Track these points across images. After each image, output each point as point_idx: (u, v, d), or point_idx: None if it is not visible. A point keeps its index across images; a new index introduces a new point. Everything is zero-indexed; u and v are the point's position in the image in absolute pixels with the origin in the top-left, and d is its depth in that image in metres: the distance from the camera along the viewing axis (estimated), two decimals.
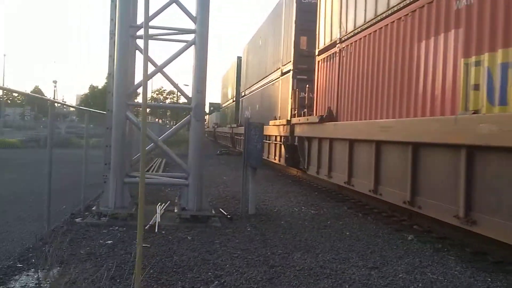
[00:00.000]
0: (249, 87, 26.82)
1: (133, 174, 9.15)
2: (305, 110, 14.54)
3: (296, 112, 15.15)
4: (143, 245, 6.70)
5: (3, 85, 72.88)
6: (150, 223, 8.07)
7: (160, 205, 9.52)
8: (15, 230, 7.42)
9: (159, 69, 9.04)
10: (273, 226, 8.51)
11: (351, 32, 11.14)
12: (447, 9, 7.22)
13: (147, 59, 4.02)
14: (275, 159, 18.46)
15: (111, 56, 9.24)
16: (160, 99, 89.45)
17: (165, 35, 9.22)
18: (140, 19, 9.14)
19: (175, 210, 8.79)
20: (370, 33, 9.99)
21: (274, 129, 17.98)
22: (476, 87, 6.40)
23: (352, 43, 11.09)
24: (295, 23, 16.45)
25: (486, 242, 6.61)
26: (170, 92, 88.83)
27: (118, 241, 6.99)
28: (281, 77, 18.41)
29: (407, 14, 8.45)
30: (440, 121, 6.94)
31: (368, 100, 9.96)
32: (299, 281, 5.46)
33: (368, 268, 6.11)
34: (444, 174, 7.03)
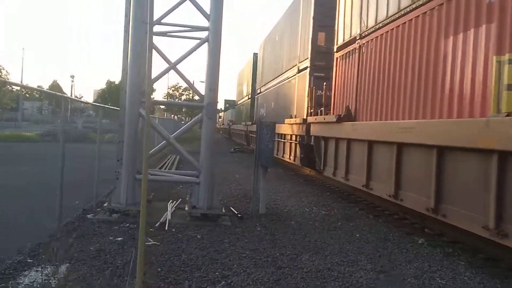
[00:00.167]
0: (265, 84, 26.67)
1: None
2: (322, 109, 14.10)
3: (312, 110, 14.86)
4: (153, 242, 6.80)
5: (22, 78, 73.92)
6: (161, 220, 8.10)
7: (172, 202, 9.56)
8: (28, 224, 7.51)
9: (172, 66, 9.06)
10: (283, 226, 8.49)
11: (372, 27, 10.69)
12: (478, 2, 6.75)
13: (151, 57, 4.03)
14: (289, 159, 18.23)
15: (125, 52, 9.28)
16: (176, 95, 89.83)
17: (178, 32, 9.24)
18: (155, 16, 9.15)
19: (186, 208, 8.82)
20: (393, 29, 9.53)
21: (289, 128, 17.81)
22: (510, 87, 5.95)
23: (372, 39, 10.65)
24: (313, 18, 16.01)
25: (499, 248, 6.48)
26: (186, 89, 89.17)
27: (129, 238, 7.03)
28: (297, 74, 18.06)
29: (433, 8, 7.97)
30: (469, 124, 6.48)
31: (389, 99, 9.51)
32: (306, 283, 5.45)
33: (376, 271, 6.07)
34: (472, 181, 6.51)
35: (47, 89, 78.51)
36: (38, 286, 4.86)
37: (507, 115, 5.83)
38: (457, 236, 7.62)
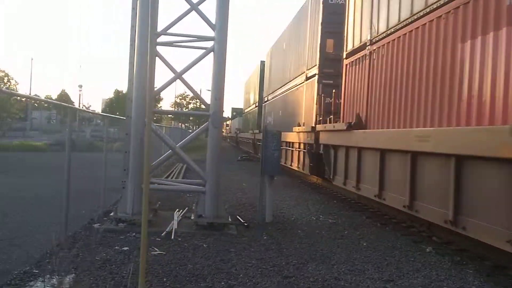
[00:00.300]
0: (272, 92, 26.62)
1: (152, 180, 9.21)
2: (331, 116, 13.84)
3: (321, 118, 14.63)
4: (159, 252, 6.80)
5: (30, 88, 74.57)
6: (167, 229, 8.10)
7: (178, 211, 9.56)
8: (35, 234, 7.53)
9: (178, 76, 9.09)
10: (289, 235, 8.47)
11: (383, 33, 10.42)
12: (497, 5, 6.47)
13: (152, 70, 4.03)
14: (298, 167, 18.16)
15: (131, 63, 9.34)
16: (183, 104, 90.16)
17: (184, 42, 9.28)
18: (160, 26, 9.23)
19: (192, 217, 8.81)
20: (405, 34, 9.26)
21: (297, 136, 17.70)
22: None
23: (384, 44, 10.37)
24: (321, 25, 15.75)
25: (506, 255, 6.40)
26: (193, 97, 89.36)
27: (135, 247, 7.02)
28: (305, 82, 17.84)
29: (449, 12, 7.68)
30: (491, 132, 6.15)
31: (402, 106, 9.21)
32: None
33: (383, 280, 6.02)
34: (495, 192, 6.18)
35: (55, 98, 79.16)
36: None
37: None
38: (465, 244, 7.56)
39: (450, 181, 7.10)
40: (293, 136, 18.17)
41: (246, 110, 44.88)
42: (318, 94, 15.43)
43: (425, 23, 8.47)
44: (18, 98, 55.46)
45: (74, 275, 5.49)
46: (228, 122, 68.57)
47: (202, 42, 9.31)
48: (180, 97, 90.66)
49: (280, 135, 10.26)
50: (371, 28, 11.22)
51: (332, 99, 14.07)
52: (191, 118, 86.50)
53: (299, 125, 17.77)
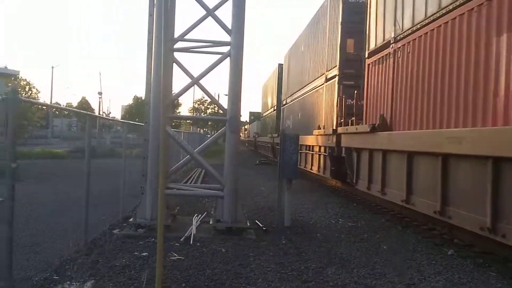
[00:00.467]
0: (291, 95, 26.44)
1: (170, 185, 9.25)
2: (353, 118, 13.38)
3: (342, 121, 14.29)
4: (178, 257, 6.81)
5: (51, 97, 75.67)
6: (186, 235, 8.11)
7: (197, 216, 9.58)
8: (56, 240, 7.60)
9: (195, 81, 9.13)
10: (308, 239, 8.41)
11: (409, 29, 9.99)
12: None
13: (168, 76, 4.05)
14: (318, 171, 17.96)
15: (148, 69, 9.40)
16: (201, 109, 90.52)
17: (200, 47, 9.32)
18: (177, 32, 9.28)
19: (210, 222, 8.82)
20: (433, 29, 8.81)
21: (317, 139, 17.50)
22: None
23: (409, 41, 9.92)
24: (341, 24, 15.48)
25: None
26: (211, 102, 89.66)
27: (154, 253, 6.99)
28: (325, 84, 17.56)
29: (481, 4, 7.24)
30: None
31: (431, 106, 8.74)
32: None
33: (404, 284, 5.94)
34: None
35: (76, 106, 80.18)
36: None
37: None
38: (488, 247, 7.41)
39: (486, 185, 6.64)
40: (312, 139, 18.01)
41: (264, 114, 44.85)
42: (338, 95, 15.16)
43: (455, 17, 8.04)
44: (40, 106, 56.31)
45: (93, 281, 5.53)
46: (246, 126, 68.52)
47: (218, 47, 9.34)
48: (199, 102, 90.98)
49: (298, 138, 10.20)
50: (395, 25, 10.82)
51: (354, 101, 13.71)
52: (209, 123, 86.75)
53: (319, 128, 17.58)
